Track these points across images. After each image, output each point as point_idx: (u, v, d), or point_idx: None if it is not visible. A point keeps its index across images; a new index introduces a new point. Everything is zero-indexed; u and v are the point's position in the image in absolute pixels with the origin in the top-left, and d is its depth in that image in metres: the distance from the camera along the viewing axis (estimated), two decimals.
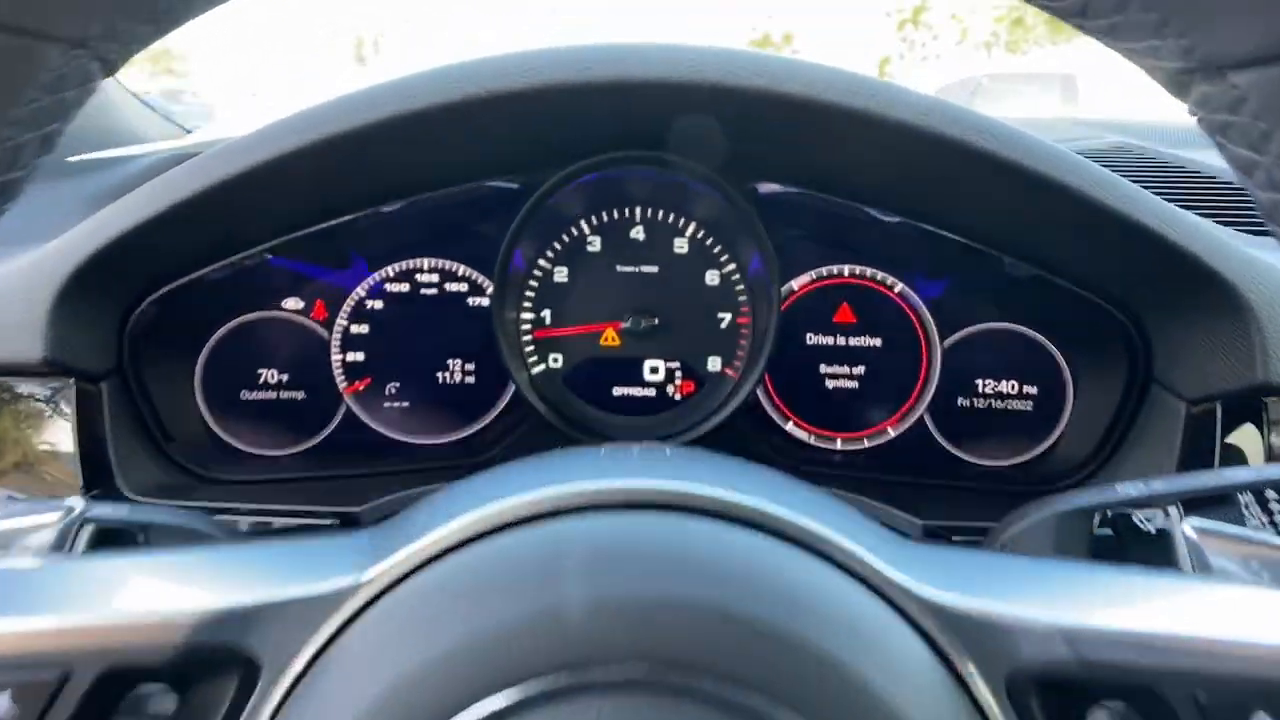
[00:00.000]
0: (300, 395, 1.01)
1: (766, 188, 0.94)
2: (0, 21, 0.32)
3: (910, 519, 0.86)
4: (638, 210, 1.00)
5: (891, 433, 1.03)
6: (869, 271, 1.02)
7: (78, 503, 0.56)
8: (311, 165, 0.80)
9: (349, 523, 0.84)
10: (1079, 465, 0.95)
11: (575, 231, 1.01)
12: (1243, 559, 0.49)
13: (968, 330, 1.01)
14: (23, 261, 0.82)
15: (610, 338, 1.02)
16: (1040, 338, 0.99)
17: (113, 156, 1.28)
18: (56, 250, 0.82)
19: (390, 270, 1.02)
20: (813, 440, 1.05)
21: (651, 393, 1.04)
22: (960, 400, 1.02)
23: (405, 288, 1.02)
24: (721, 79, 0.78)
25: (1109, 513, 0.62)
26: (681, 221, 1.01)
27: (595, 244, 1.01)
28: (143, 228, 0.80)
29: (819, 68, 0.80)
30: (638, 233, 1.01)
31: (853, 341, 1.03)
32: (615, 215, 1.01)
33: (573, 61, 0.78)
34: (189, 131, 1.57)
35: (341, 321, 1.01)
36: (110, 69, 0.38)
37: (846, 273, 1.02)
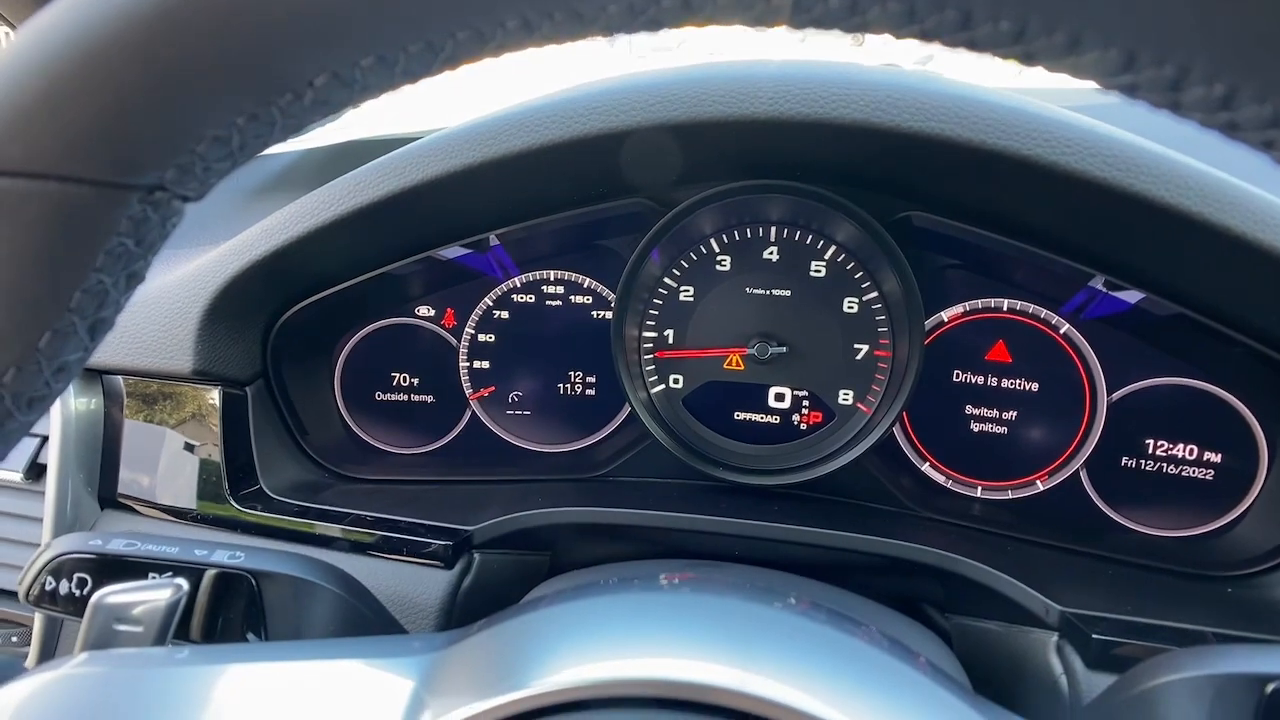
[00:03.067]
0: (430, 399, 1.04)
1: (921, 218, 0.86)
2: (76, 175, 0.31)
3: (1048, 603, 0.77)
4: (772, 230, 0.94)
5: (1040, 486, 0.94)
6: (1031, 309, 0.91)
7: (199, 551, 0.60)
8: (479, 180, 0.81)
9: (461, 546, 0.85)
10: (1265, 554, 0.82)
11: (705, 249, 0.96)
12: None
13: (1144, 383, 0.88)
14: (173, 277, 0.88)
15: (735, 363, 0.98)
16: (1233, 400, 0.86)
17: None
18: (206, 267, 0.86)
19: (517, 281, 1.01)
20: (950, 485, 0.97)
21: (775, 420, 0.99)
22: (1125, 460, 0.90)
23: (532, 298, 1.02)
24: (880, 120, 0.71)
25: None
26: (820, 244, 0.93)
27: (725, 263, 0.96)
28: (290, 247, 0.83)
29: (988, 103, 0.70)
30: (771, 253, 0.95)
31: (1005, 383, 0.93)
32: (748, 234, 0.94)
33: (730, 93, 0.73)
34: None
35: (470, 330, 1.02)
36: (193, 200, 0.37)
37: (1005, 307, 0.92)
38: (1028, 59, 0.27)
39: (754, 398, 0.99)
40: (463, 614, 0.83)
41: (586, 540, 0.94)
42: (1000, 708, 0.49)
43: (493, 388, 1.03)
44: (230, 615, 0.64)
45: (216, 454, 0.89)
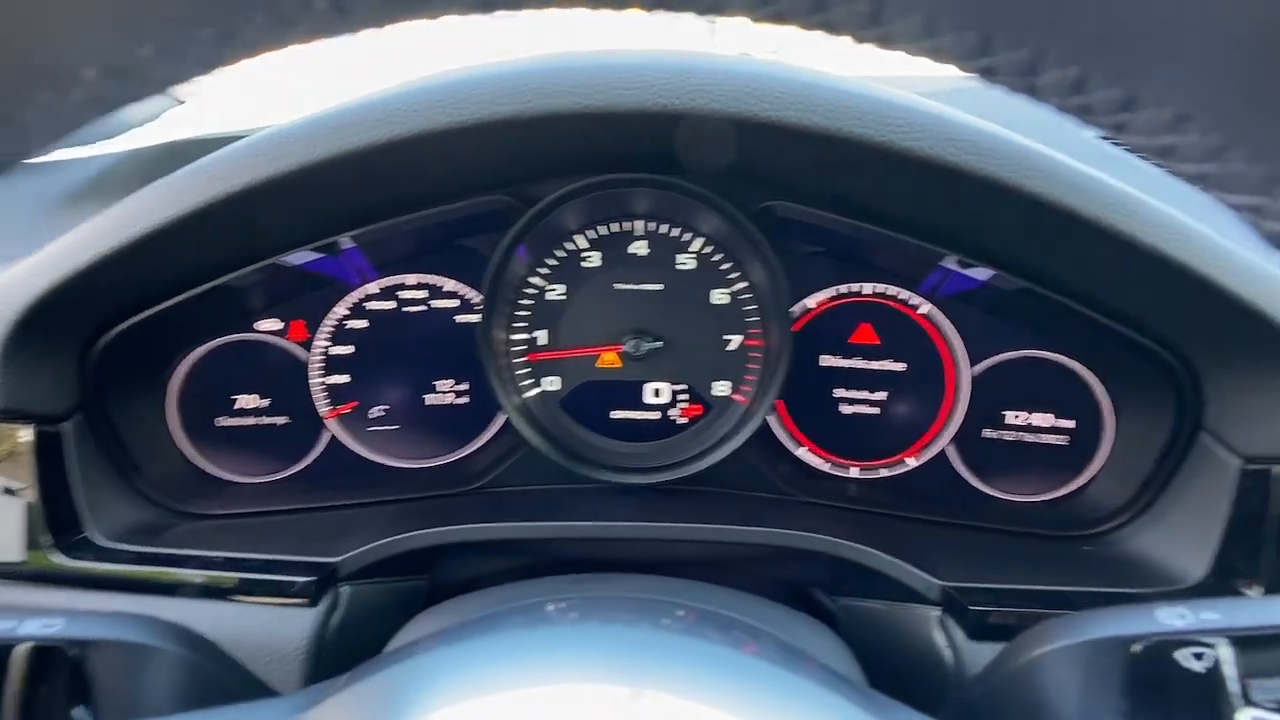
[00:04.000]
0: (281, 421, 0.96)
1: (783, 207, 0.85)
2: None
3: (928, 578, 0.79)
4: (639, 224, 0.92)
5: (911, 463, 0.96)
6: (892, 290, 0.93)
7: (4, 623, 0.52)
8: (323, 179, 0.75)
9: (326, 580, 0.79)
10: (1115, 512, 0.87)
11: (572, 246, 0.92)
12: None
13: (1000, 357, 0.92)
14: None
15: (609, 360, 0.95)
16: (1080, 369, 0.90)
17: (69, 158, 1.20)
18: (4, 286, 0.75)
19: (373, 287, 0.94)
20: (827, 468, 0.98)
21: (654, 416, 0.97)
22: (987, 431, 0.94)
23: (390, 305, 0.95)
24: (735, 108, 0.69)
25: (1150, 645, 0.55)
26: (688, 237, 0.92)
27: (594, 259, 0.93)
28: (109, 259, 0.74)
29: (835, 89, 0.70)
30: (639, 248, 0.92)
31: (873, 365, 0.95)
32: (615, 229, 0.92)
33: (581, 85, 0.70)
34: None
35: (322, 342, 0.94)
36: None
37: (868, 291, 0.93)
38: (885, 42, 0.26)
39: (631, 395, 0.96)
40: (334, 655, 0.77)
41: (467, 558, 0.89)
42: (892, 700, 0.49)
43: (353, 404, 0.96)
44: (52, 695, 0.56)
45: (35, 501, 0.78)
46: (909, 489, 0.96)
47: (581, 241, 0.92)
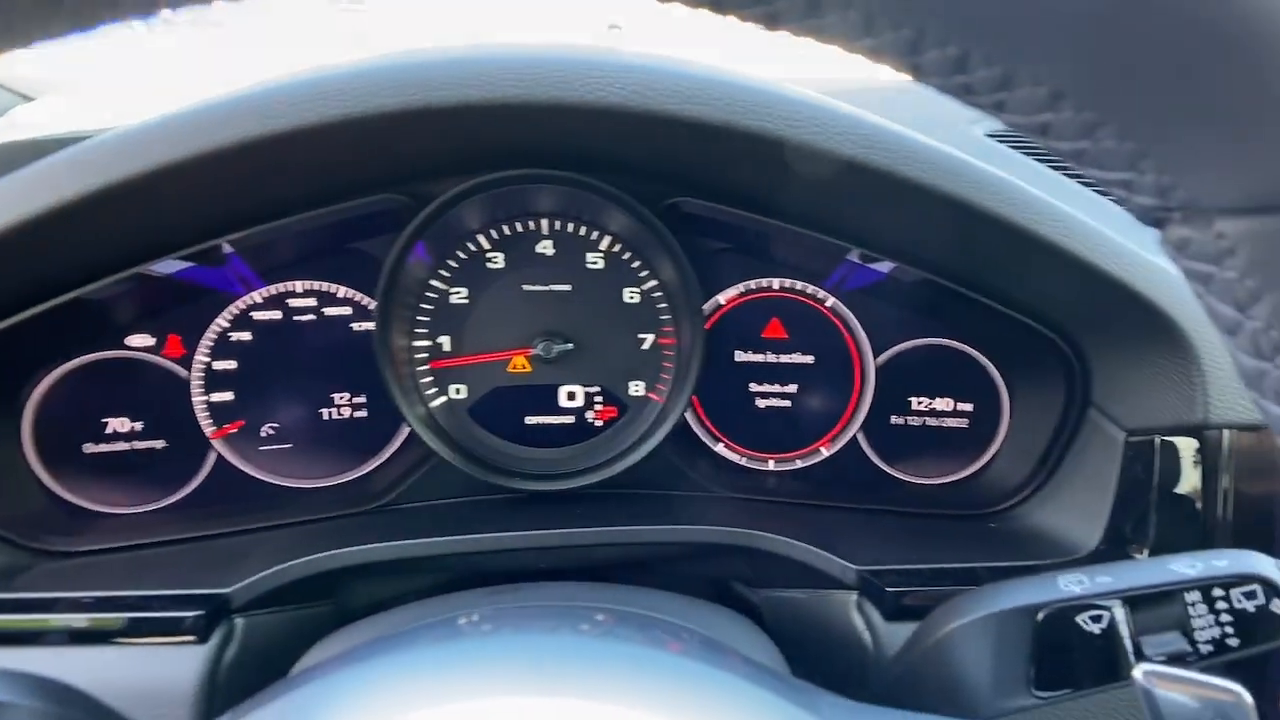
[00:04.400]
0: (160, 444, 0.87)
1: (689, 204, 0.85)
2: None
3: (844, 564, 0.80)
4: (545, 223, 0.89)
5: (825, 452, 0.97)
6: (799, 285, 0.94)
7: None
8: (194, 179, 0.68)
9: (217, 613, 0.72)
10: (1015, 489, 0.91)
11: (474, 247, 0.89)
12: (1195, 701, 0.45)
13: (903, 346, 0.95)
14: None
15: (520, 365, 0.91)
16: (977, 354, 0.94)
17: None
18: None
19: (258, 296, 0.87)
20: (744, 462, 0.98)
21: (569, 420, 0.94)
22: (895, 418, 0.96)
23: (278, 314, 0.88)
24: (628, 102, 0.68)
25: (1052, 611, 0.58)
26: (595, 235, 0.90)
27: (498, 260, 0.89)
28: None
29: (729, 84, 0.70)
30: (545, 248, 0.90)
31: (784, 358, 0.96)
32: (519, 228, 0.89)
33: (460, 78, 0.67)
34: None
35: (202, 358, 0.87)
36: None
37: (776, 285, 0.94)
38: (771, 21, 0.26)
39: (545, 399, 0.93)
40: (229, 695, 0.70)
41: (373, 581, 0.84)
42: (812, 687, 0.49)
43: (240, 422, 0.89)
44: None
45: None
46: (824, 478, 0.97)
47: (484, 242, 0.88)
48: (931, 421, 0.96)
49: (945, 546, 0.85)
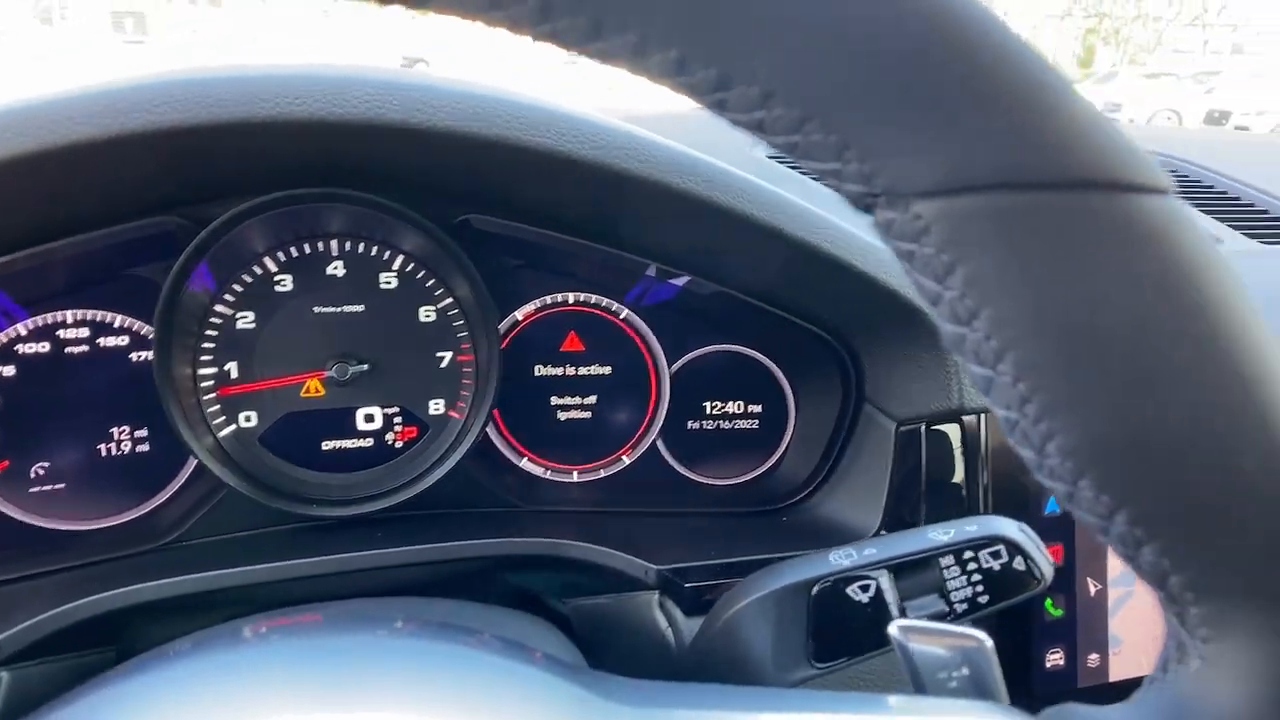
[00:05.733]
0: None
1: (480, 220, 0.87)
2: None
3: (646, 565, 0.84)
4: (334, 244, 0.89)
5: (627, 460, 1.01)
6: (594, 299, 0.98)
7: None
8: None
9: None
10: (803, 483, 0.97)
11: (260, 270, 0.88)
12: (944, 650, 0.50)
13: (695, 353, 1.00)
14: None
15: (314, 389, 0.91)
16: (763, 358, 1.01)
17: None
18: None
19: (22, 328, 0.83)
20: (549, 475, 1.00)
21: (368, 443, 0.94)
22: (691, 423, 1.01)
23: (46, 347, 0.84)
24: (408, 119, 0.71)
25: (825, 585, 0.63)
26: (387, 254, 0.91)
27: (286, 283, 0.89)
28: None
29: (507, 101, 0.74)
30: (336, 269, 0.90)
31: (582, 370, 0.99)
32: (307, 250, 0.88)
33: (237, 94, 0.67)
34: None
35: None
36: None
37: (572, 300, 0.98)
38: (514, 26, 0.28)
39: (342, 423, 0.93)
40: None
41: (163, 622, 0.80)
42: (602, 673, 0.51)
43: (4, 463, 0.84)
44: None
45: None
46: (627, 485, 1.01)
47: (271, 264, 0.88)
48: (725, 424, 1.02)
49: (742, 541, 0.90)
